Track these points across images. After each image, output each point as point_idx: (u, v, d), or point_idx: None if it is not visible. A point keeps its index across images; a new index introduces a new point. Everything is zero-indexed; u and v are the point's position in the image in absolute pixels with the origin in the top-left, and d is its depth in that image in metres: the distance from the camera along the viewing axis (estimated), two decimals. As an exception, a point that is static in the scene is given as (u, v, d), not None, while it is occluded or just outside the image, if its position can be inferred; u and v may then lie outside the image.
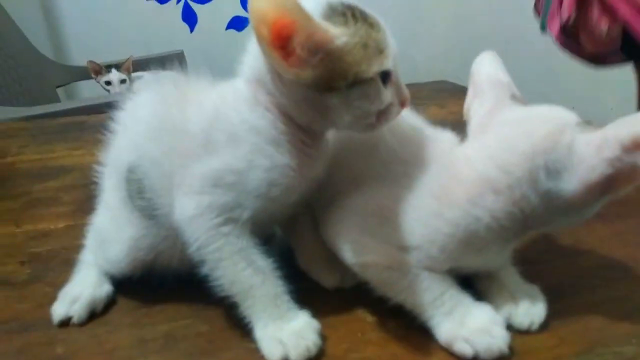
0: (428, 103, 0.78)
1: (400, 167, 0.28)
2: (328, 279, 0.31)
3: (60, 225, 0.44)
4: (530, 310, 0.28)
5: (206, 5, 2.26)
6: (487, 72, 0.31)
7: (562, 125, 0.26)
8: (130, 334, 0.30)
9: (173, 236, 0.28)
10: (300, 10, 0.23)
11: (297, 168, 0.27)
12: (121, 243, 0.31)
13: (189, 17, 2.37)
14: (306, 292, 0.29)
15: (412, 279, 0.27)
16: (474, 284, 0.30)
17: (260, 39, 0.24)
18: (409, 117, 0.31)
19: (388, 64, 0.26)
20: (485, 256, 0.27)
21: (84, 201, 0.47)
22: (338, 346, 0.28)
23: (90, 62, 1.53)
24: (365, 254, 0.27)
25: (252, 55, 0.27)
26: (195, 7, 2.27)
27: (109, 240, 0.32)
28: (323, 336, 0.27)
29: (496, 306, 0.28)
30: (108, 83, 1.51)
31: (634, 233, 0.39)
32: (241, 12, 2.32)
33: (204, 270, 0.27)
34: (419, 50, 3.23)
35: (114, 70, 1.51)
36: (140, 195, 0.29)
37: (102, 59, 1.63)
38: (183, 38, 2.22)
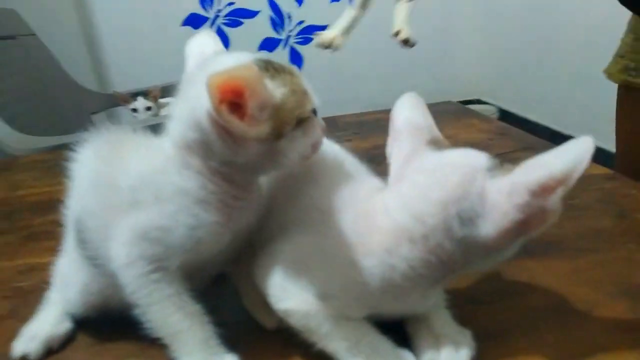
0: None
1: (319, 215, 0.29)
2: (266, 320, 0.32)
3: (46, 259, 0.47)
4: (452, 357, 0.28)
5: (238, 28, 2.33)
6: (405, 116, 0.31)
7: (473, 172, 0.26)
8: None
9: (116, 283, 0.30)
10: (252, 74, 0.25)
11: (226, 223, 0.29)
12: (76, 286, 0.33)
13: (222, 40, 2.45)
14: (246, 332, 0.30)
15: (330, 327, 0.27)
16: (404, 326, 0.30)
17: (217, 109, 0.25)
18: (332, 157, 0.32)
19: (315, 100, 0.29)
20: (405, 302, 0.28)
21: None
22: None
23: (116, 92, 1.61)
24: (286, 299, 0.28)
25: (181, 123, 0.29)
26: (227, 30, 2.33)
27: (67, 282, 0.34)
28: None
29: (419, 351, 0.28)
30: (134, 110, 1.58)
31: (593, 270, 0.37)
32: (271, 34, 2.38)
33: (138, 313, 0.29)
34: (450, 67, 3.19)
35: (139, 98, 1.58)
36: (84, 245, 0.31)
37: (139, 85, 1.71)
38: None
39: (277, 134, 0.27)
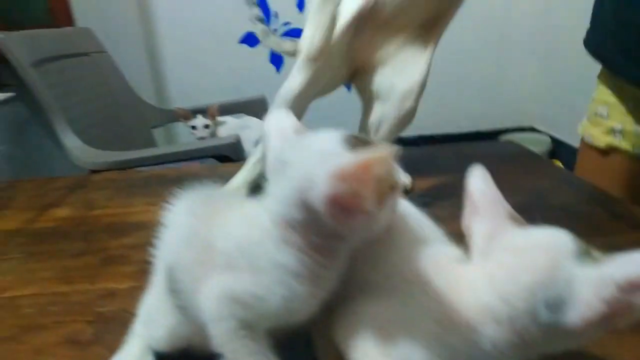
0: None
1: (401, 283, 0.30)
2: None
3: (125, 285, 0.51)
4: None
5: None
6: (482, 189, 0.32)
7: (562, 257, 0.26)
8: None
9: (204, 332, 0.31)
10: (387, 164, 0.26)
11: (317, 292, 0.30)
12: (163, 328, 0.35)
13: (276, 59, 2.51)
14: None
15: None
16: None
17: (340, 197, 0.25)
18: (411, 220, 0.33)
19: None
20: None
21: (150, 261, 0.54)
22: None
23: (178, 108, 1.68)
24: (365, 361, 0.29)
25: (283, 203, 0.28)
26: None
27: (154, 320, 0.37)
28: None
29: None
30: (193, 127, 1.65)
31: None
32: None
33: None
34: (504, 93, 3.13)
35: (198, 116, 1.65)
36: (175, 294, 0.33)
37: (198, 103, 1.78)
38: (271, 79, 2.37)
39: (380, 204, 0.27)
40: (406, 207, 0.34)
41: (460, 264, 0.30)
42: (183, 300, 0.33)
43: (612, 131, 0.82)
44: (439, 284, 0.29)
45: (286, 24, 2.44)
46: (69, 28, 1.70)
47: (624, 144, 0.80)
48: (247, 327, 0.30)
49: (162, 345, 0.36)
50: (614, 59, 0.80)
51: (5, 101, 1.45)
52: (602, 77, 0.85)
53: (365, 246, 0.31)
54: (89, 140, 1.34)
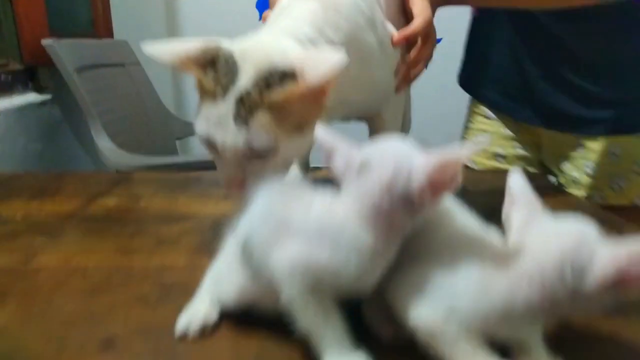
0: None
1: (451, 255, 0.35)
2: (383, 331, 0.39)
3: (180, 263, 0.56)
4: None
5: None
6: (522, 185, 0.38)
7: (586, 237, 0.33)
8: (229, 350, 0.39)
9: (270, 294, 0.37)
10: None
11: (383, 265, 0.36)
12: (232, 286, 0.41)
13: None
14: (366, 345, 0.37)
15: (450, 345, 0.34)
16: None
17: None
18: (450, 206, 0.39)
19: None
20: (514, 330, 0.34)
21: (199, 245, 0.60)
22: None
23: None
24: (417, 317, 0.35)
25: (368, 195, 0.34)
26: None
27: (223, 281, 0.42)
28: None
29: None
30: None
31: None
32: None
33: (290, 314, 0.36)
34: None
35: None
36: (249, 261, 0.39)
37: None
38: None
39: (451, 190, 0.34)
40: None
41: (498, 241, 0.36)
42: (254, 265, 0.39)
43: (494, 156, 0.94)
44: (482, 254, 0.35)
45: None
46: (108, 40, 1.80)
47: (508, 167, 0.91)
48: (315, 292, 0.35)
49: (230, 301, 0.42)
50: (494, 98, 0.93)
51: (43, 103, 1.53)
52: (477, 109, 0.97)
53: (419, 226, 0.37)
54: (120, 144, 1.42)
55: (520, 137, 0.93)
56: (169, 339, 0.41)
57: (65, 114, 1.68)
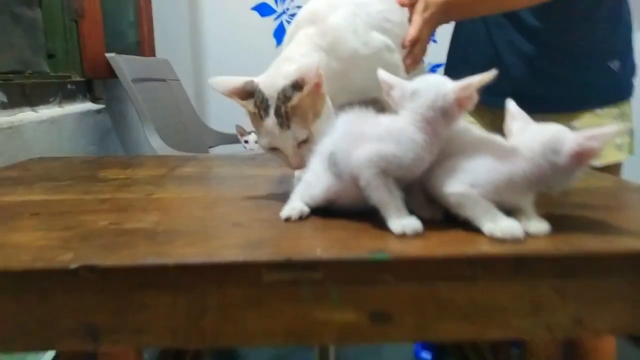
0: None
1: (473, 148, 0.54)
2: (426, 212, 0.57)
3: (261, 192, 0.75)
4: (540, 225, 0.52)
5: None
6: (516, 107, 0.57)
7: (561, 129, 0.52)
8: (320, 229, 0.58)
9: (349, 187, 0.56)
10: None
11: (428, 158, 0.54)
12: (320, 187, 0.59)
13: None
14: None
15: (475, 204, 0.52)
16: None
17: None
18: (475, 129, 0.58)
19: None
20: (516, 196, 0.53)
21: (272, 186, 0.78)
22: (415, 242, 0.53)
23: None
24: (451, 187, 0.53)
25: (420, 109, 0.53)
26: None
27: (313, 185, 0.61)
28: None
29: (519, 221, 0.52)
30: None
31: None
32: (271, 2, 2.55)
33: (367, 193, 0.54)
34: None
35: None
36: (334, 166, 0.57)
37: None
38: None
39: None
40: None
41: (502, 140, 0.55)
42: (338, 168, 0.57)
43: None
44: (492, 147, 0.54)
45: (299, 7, 2.61)
46: (153, 58, 2.03)
47: None
48: (384, 173, 0.54)
49: (319, 198, 0.60)
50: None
51: (98, 111, 1.74)
52: None
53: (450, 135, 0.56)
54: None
55: (497, 124, 1.11)
56: (279, 222, 0.59)
57: (114, 123, 1.89)
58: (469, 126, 0.58)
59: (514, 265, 0.47)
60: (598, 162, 0.95)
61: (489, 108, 1.08)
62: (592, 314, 0.49)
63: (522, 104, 1.06)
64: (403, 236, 0.52)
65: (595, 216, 0.60)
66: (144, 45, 1.97)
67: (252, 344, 0.49)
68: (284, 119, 0.65)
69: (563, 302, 0.48)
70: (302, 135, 0.66)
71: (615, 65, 1.02)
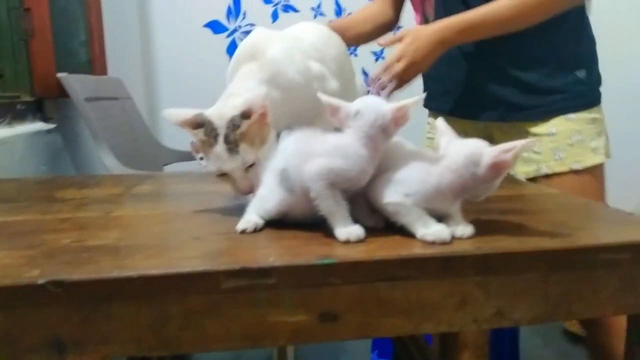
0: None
1: (405, 161, 0.61)
2: (370, 221, 0.63)
3: (216, 206, 0.79)
4: (465, 228, 0.59)
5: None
6: (444, 124, 0.65)
7: (481, 145, 0.59)
8: (273, 239, 0.63)
9: (300, 200, 0.61)
10: None
11: (371, 170, 0.61)
12: (273, 201, 0.65)
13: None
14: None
15: (409, 212, 0.59)
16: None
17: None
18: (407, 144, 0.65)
19: None
20: (444, 203, 0.60)
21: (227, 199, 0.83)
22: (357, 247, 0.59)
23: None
24: (388, 198, 0.60)
25: (365, 128, 0.60)
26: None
27: (267, 199, 0.66)
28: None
29: (448, 225, 0.60)
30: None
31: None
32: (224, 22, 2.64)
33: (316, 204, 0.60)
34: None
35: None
36: (287, 181, 0.62)
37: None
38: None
39: None
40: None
41: (431, 153, 0.63)
42: (291, 183, 0.62)
43: None
44: (423, 160, 0.61)
45: (250, 25, 2.56)
46: (104, 76, 2.03)
47: None
48: (332, 185, 0.59)
49: (272, 212, 0.65)
50: (448, 107, 1.21)
51: (49, 131, 1.72)
52: (433, 121, 1.25)
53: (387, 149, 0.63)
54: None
55: (474, 136, 1.21)
56: (235, 234, 0.64)
57: (66, 142, 1.87)
58: (402, 142, 0.66)
59: (442, 265, 0.54)
60: (579, 165, 1.09)
61: (467, 120, 1.18)
62: (511, 307, 0.57)
63: (500, 113, 1.12)
64: (347, 243, 0.58)
65: (515, 220, 0.68)
66: (95, 64, 1.97)
67: (212, 349, 0.53)
68: (233, 145, 0.71)
69: (486, 296, 0.56)
70: (250, 159, 0.71)
71: (582, 74, 1.10)
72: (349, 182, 0.60)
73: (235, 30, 2.54)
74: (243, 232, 0.64)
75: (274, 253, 0.58)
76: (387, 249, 0.56)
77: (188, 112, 0.73)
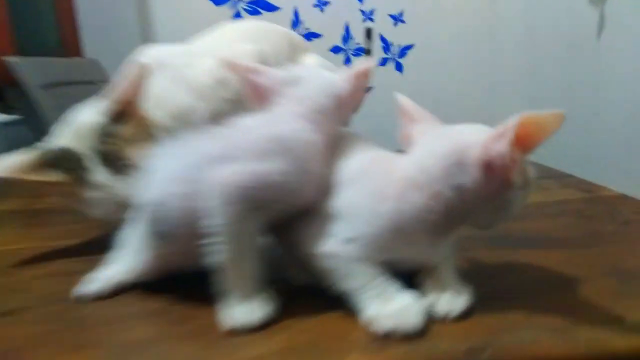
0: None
1: (350, 180, 0.35)
2: (301, 276, 0.37)
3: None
4: (452, 302, 0.32)
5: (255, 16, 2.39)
6: (411, 104, 0.37)
7: (468, 138, 0.32)
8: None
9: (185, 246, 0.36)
10: None
11: (324, 174, 0.36)
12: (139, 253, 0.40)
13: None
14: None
15: (348, 269, 0.32)
16: (415, 279, 0.35)
17: None
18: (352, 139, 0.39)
19: None
20: (417, 248, 0.33)
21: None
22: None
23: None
24: (319, 246, 0.33)
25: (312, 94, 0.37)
26: (245, 16, 2.35)
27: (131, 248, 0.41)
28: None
29: (425, 294, 0.33)
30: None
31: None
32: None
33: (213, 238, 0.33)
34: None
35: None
36: (164, 223, 0.37)
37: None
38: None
39: None
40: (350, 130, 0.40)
41: (395, 157, 0.36)
42: (169, 223, 0.36)
43: None
44: (376, 172, 0.34)
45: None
46: (78, 58, 1.81)
47: None
48: (255, 211, 0.33)
49: (149, 274, 0.40)
50: None
51: (12, 122, 1.52)
52: None
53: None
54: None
55: None
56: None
57: (34, 135, 1.67)
58: (351, 136, 0.39)
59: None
60: None
61: None
62: None
63: None
64: (233, 334, 0.32)
65: (565, 271, 0.40)
66: (67, 45, 1.75)
67: None
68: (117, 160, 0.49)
69: None
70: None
71: None
72: (288, 197, 0.34)
73: (239, 1, 2.27)
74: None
75: None
76: (295, 353, 0.30)
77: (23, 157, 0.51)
